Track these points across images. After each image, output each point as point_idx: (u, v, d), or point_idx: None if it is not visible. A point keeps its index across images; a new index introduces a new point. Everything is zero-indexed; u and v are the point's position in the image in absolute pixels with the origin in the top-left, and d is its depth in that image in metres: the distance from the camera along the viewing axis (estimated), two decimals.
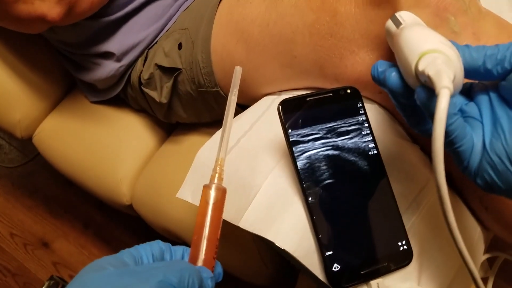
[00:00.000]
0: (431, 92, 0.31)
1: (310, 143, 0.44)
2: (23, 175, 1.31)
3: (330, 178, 0.44)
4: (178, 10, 0.72)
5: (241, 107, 0.61)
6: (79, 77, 0.80)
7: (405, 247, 0.45)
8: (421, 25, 0.39)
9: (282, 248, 0.43)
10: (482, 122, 0.34)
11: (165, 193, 0.75)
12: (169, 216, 0.75)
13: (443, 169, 0.30)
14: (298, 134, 0.44)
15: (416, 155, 0.50)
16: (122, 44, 0.71)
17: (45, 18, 0.59)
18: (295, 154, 0.44)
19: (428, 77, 0.30)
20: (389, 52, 0.45)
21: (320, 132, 0.45)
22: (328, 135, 0.45)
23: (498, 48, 0.32)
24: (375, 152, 0.46)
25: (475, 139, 0.34)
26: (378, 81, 0.38)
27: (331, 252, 0.42)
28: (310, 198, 0.43)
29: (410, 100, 0.35)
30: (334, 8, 0.48)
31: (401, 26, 0.38)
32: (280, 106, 0.44)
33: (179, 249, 0.38)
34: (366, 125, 0.46)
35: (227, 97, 0.62)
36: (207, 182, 0.39)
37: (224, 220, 0.39)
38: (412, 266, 0.45)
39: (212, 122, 0.75)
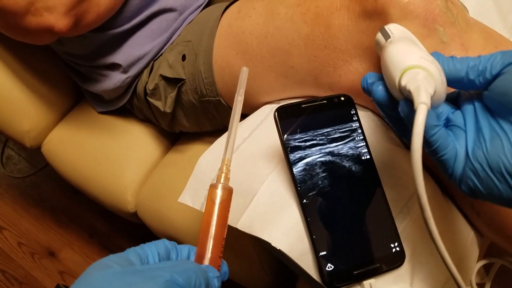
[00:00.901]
0: (412, 106, 0.33)
1: (305, 149, 0.46)
2: (31, 185, 1.33)
3: (324, 182, 0.46)
4: (182, 23, 0.74)
5: (241, 116, 0.63)
6: (86, 88, 0.82)
7: (397, 248, 0.46)
8: (408, 38, 0.40)
9: (278, 248, 0.44)
10: (465, 131, 0.36)
11: (169, 201, 0.76)
12: (174, 223, 0.76)
13: (422, 180, 0.32)
14: (294, 140, 0.46)
15: (407, 161, 0.51)
16: (129, 56, 0.72)
17: (53, 29, 0.60)
18: (291, 159, 0.45)
19: (409, 92, 0.32)
20: (380, 61, 0.47)
21: (315, 138, 0.46)
22: (323, 141, 0.47)
23: (480, 59, 0.34)
24: (368, 157, 0.48)
25: (458, 148, 0.35)
26: (368, 92, 0.39)
27: (324, 253, 0.44)
28: (305, 201, 0.45)
29: (395, 112, 0.37)
30: (328, 20, 0.50)
31: (389, 39, 0.40)
32: (276, 113, 0.46)
33: (185, 248, 0.37)
34: (360, 131, 0.48)
35: (228, 106, 0.64)
36: (207, 188, 0.39)
37: None
38: (405, 269, 0.46)
39: (213, 131, 0.77)
